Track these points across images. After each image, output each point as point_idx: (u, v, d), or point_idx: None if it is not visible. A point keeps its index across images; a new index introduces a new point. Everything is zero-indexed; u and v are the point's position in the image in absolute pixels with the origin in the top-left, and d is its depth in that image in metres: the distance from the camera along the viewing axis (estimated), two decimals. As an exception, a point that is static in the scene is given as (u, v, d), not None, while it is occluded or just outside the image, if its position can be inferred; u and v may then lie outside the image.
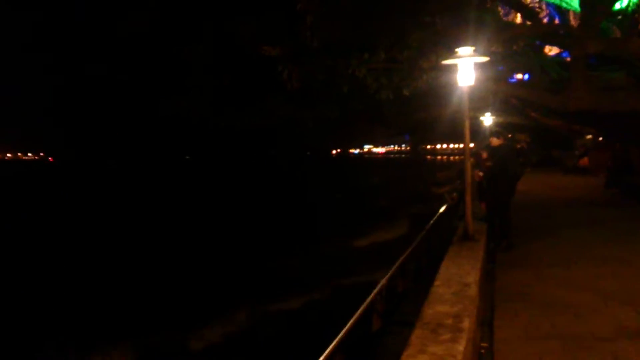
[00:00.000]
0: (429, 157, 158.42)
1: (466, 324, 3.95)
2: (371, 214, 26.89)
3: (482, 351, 5.03)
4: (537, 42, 16.11)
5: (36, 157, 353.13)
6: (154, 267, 16.47)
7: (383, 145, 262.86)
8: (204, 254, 18.40)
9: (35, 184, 70.15)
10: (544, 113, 20.78)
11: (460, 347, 3.50)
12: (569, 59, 15.15)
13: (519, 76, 19.03)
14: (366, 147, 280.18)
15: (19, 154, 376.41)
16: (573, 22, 17.51)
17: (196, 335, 10.62)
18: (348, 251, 17.75)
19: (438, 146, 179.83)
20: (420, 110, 22.62)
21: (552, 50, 19.83)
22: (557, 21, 18.57)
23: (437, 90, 14.28)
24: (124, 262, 17.81)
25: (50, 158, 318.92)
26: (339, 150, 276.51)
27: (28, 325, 11.77)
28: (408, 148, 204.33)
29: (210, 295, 13.23)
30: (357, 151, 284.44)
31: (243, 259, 17.05)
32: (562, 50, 17.15)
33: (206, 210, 32.67)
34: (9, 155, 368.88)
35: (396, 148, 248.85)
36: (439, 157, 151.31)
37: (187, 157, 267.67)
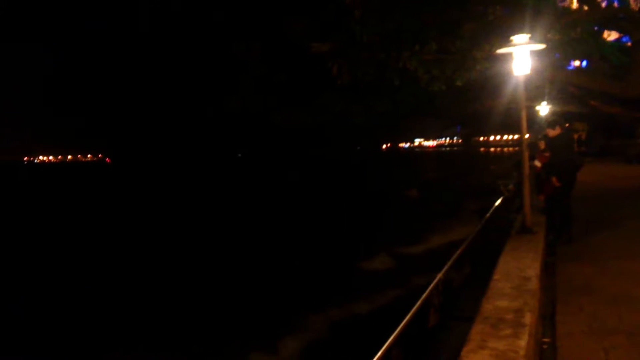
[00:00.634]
0: (482, 149, 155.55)
1: (528, 318, 3.86)
2: (440, 210, 26.45)
3: (545, 346, 4.90)
4: (596, 27, 15.53)
5: (95, 159, 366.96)
6: (222, 270, 16.54)
7: (434, 139, 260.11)
8: (281, 254, 18.38)
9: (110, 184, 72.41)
10: (604, 100, 20.06)
11: (522, 342, 3.43)
12: (629, 44, 14.56)
13: (577, 63, 18.42)
14: (417, 141, 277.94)
15: (79, 155, 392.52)
16: (633, 5, 16.78)
17: (280, 341, 10.61)
18: (423, 250, 17.62)
19: (491, 138, 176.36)
20: (473, 101, 22.24)
21: (611, 35, 19.11)
22: (615, 5, 17.86)
23: (491, 80, 14.01)
24: (190, 262, 18.13)
25: (107, 159, 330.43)
26: (388, 144, 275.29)
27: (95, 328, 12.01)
28: (460, 141, 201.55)
29: (287, 298, 13.16)
30: (407, 145, 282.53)
31: (321, 260, 17.03)
32: (621, 34, 16.52)
33: (278, 209, 32.65)
34: (69, 157, 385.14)
35: (447, 141, 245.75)
36: (492, 149, 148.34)
37: (239, 154, 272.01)
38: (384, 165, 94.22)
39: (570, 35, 12.47)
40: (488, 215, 12.03)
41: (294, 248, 18.99)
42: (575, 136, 27.45)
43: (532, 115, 21.40)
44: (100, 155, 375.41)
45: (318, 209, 30.65)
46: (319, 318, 11.47)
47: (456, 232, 18.04)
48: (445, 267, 7.75)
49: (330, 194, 39.17)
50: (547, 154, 9.69)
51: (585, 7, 13.91)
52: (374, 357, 4.91)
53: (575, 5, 14.60)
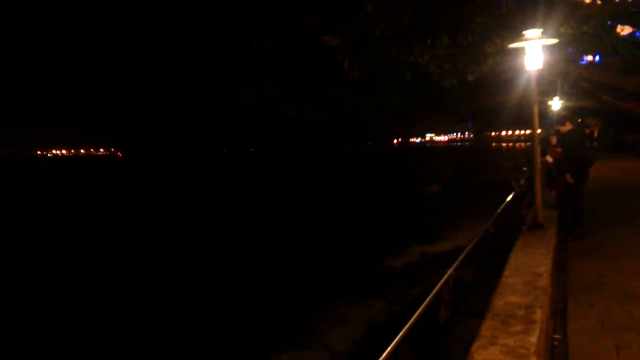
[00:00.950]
0: (493, 144, 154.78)
1: (538, 315, 3.84)
2: (458, 205, 26.44)
3: (556, 343, 4.88)
4: (609, 22, 15.36)
5: (107, 153, 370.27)
6: (250, 267, 16.50)
7: (445, 134, 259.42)
8: (307, 251, 18.37)
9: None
10: (616, 96, 19.86)
11: (533, 338, 3.41)
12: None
13: (589, 58, 18.23)
14: (428, 136, 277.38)
15: (92, 149, 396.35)
16: (647, -1, 16.58)
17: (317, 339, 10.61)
18: (447, 247, 17.66)
19: (503, 133, 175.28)
20: (484, 96, 22.10)
21: (624, 30, 18.88)
22: (630, -1, 17.64)
23: (503, 75, 13.89)
24: (210, 258, 18.22)
25: (119, 153, 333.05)
26: (399, 139, 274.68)
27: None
28: (471, 136, 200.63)
29: (315, 294, 13.17)
30: (418, 140, 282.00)
31: (348, 258, 17.10)
32: (635, 29, 16.32)
33: (303, 205, 32.58)
34: (82, 151, 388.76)
35: (459, 136, 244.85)
36: (504, 144, 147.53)
37: (251, 149, 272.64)
38: (400, 161, 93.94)
39: (583, 29, 12.35)
40: (499, 211, 11.99)
41: (321, 245, 19.09)
42: (587, 131, 27.20)
43: (544, 111, 21.26)
44: (112, 150, 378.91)
45: (343, 206, 30.72)
46: (344, 315, 11.52)
47: (474, 229, 18.06)
48: (455, 264, 7.73)
49: (354, 191, 39.17)
50: (558, 149, 9.63)
51: (599, 1, 13.75)
52: (382, 353, 4.92)
53: (588, -2, 14.44)
